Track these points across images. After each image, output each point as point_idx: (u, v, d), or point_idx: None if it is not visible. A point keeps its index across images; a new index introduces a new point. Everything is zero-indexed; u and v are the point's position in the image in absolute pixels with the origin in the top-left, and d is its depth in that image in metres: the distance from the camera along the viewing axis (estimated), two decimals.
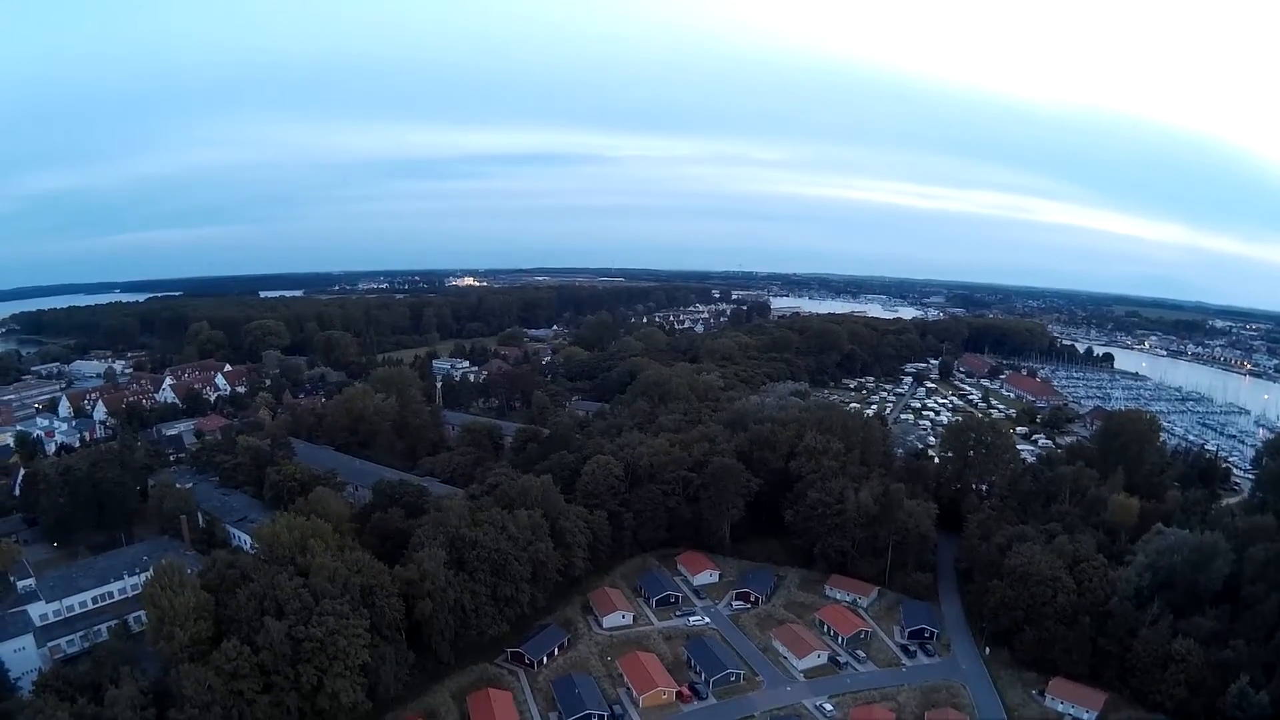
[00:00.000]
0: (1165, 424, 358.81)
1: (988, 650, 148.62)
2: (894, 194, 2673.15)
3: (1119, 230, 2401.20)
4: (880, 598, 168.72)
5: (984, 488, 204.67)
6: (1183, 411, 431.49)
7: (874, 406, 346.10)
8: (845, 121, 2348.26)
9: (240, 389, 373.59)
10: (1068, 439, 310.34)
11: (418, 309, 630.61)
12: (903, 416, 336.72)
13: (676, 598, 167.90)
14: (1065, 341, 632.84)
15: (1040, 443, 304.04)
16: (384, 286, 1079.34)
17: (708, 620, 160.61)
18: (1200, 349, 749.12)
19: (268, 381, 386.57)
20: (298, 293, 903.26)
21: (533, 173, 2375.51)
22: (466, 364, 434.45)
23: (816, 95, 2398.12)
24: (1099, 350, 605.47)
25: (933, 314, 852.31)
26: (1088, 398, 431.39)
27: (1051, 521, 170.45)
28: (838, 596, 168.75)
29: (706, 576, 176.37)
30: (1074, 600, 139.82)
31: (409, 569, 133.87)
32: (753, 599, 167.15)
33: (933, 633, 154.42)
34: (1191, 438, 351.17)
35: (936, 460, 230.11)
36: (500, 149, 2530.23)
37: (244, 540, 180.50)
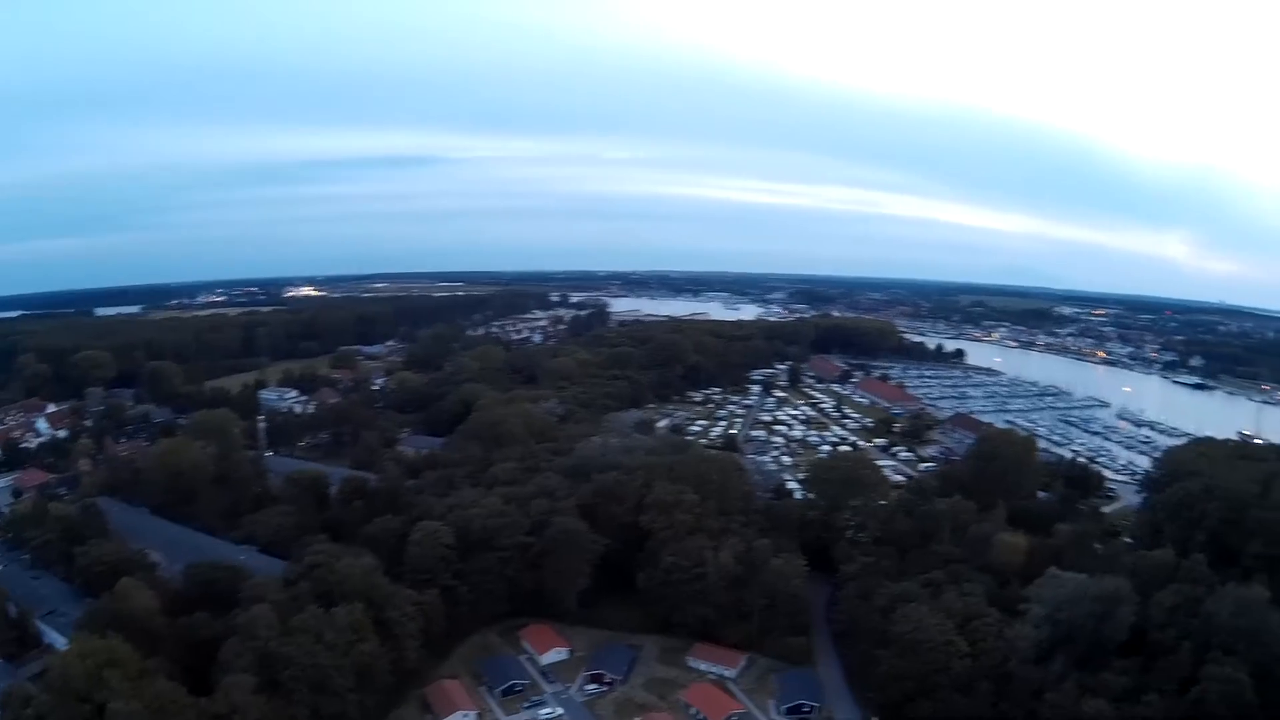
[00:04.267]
0: (1026, 423, 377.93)
1: None
2: (739, 191, 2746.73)
3: (966, 222, 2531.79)
4: (750, 666, 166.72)
5: (854, 529, 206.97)
6: (1042, 409, 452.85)
7: (723, 423, 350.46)
8: (694, 119, 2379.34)
9: (62, 433, 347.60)
10: (930, 449, 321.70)
11: (251, 328, 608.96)
12: (754, 433, 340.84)
13: (523, 685, 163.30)
14: (914, 338, 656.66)
15: (902, 456, 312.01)
16: (221, 299, 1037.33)
17: (560, 711, 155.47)
18: (1051, 339, 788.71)
19: (88, 423, 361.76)
20: (135, 309, 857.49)
21: (380, 175, 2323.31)
22: (295, 393, 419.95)
23: (665, 93, 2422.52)
24: (950, 346, 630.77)
25: (775, 310, 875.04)
26: (944, 399, 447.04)
27: (933, 569, 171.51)
28: (703, 668, 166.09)
29: (555, 654, 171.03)
30: (970, 665, 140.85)
31: (216, 701, 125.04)
32: (608, 680, 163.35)
33: (813, 707, 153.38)
34: (1056, 437, 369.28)
35: (799, 496, 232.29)
36: (346, 152, 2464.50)
37: (59, 640, 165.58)
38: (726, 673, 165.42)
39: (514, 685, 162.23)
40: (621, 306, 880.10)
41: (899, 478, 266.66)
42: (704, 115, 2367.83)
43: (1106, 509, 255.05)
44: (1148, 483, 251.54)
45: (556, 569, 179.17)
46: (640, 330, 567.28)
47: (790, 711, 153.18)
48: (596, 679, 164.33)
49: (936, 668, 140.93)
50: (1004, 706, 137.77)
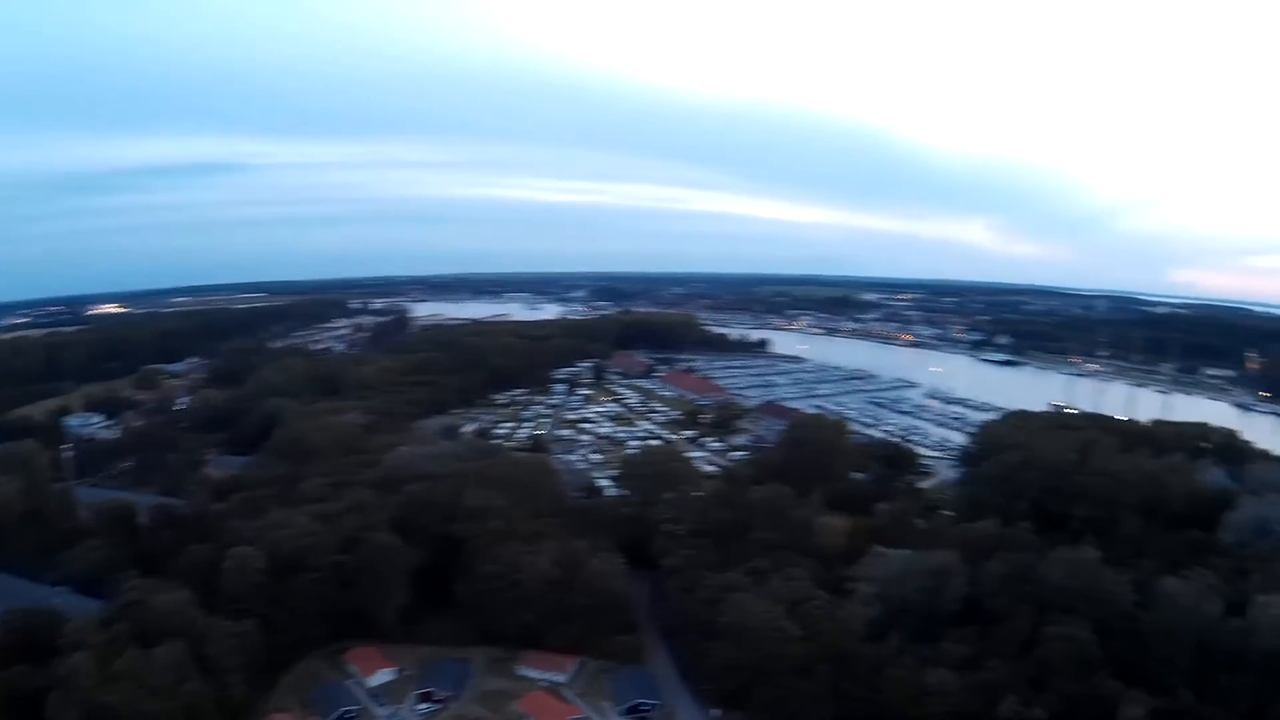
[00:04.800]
0: (835, 407, 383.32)
1: (720, 716, 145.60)
2: (542, 191, 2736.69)
3: (768, 215, 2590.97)
4: (582, 670, 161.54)
5: (670, 523, 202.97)
6: (851, 392, 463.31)
7: (529, 424, 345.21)
8: (497, 119, 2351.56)
9: None
10: (740, 438, 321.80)
11: (54, 350, 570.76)
12: (561, 433, 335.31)
13: (355, 712, 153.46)
14: (717, 330, 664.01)
15: (712, 447, 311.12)
16: (25, 320, 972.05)
17: None
18: (856, 324, 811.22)
19: None
20: None
21: (184, 184, 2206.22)
22: (100, 418, 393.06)
23: (467, 93, 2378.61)
24: (754, 336, 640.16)
25: (578, 309, 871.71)
26: (751, 388, 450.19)
27: (756, 557, 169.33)
28: (534, 676, 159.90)
29: (383, 676, 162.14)
30: (805, 648, 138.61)
31: None
32: (439, 697, 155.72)
33: (652, 705, 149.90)
34: (867, 419, 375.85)
35: (611, 493, 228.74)
36: (149, 160, 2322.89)
37: None
38: (559, 679, 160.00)
39: (345, 712, 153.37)
40: (424, 311, 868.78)
41: (711, 469, 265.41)
42: (507, 115, 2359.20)
43: (924, 485, 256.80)
44: (965, 457, 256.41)
45: (373, 587, 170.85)
46: (443, 334, 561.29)
47: (629, 712, 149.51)
48: (427, 697, 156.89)
49: (771, 654, 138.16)
50: (845, 686, 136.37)
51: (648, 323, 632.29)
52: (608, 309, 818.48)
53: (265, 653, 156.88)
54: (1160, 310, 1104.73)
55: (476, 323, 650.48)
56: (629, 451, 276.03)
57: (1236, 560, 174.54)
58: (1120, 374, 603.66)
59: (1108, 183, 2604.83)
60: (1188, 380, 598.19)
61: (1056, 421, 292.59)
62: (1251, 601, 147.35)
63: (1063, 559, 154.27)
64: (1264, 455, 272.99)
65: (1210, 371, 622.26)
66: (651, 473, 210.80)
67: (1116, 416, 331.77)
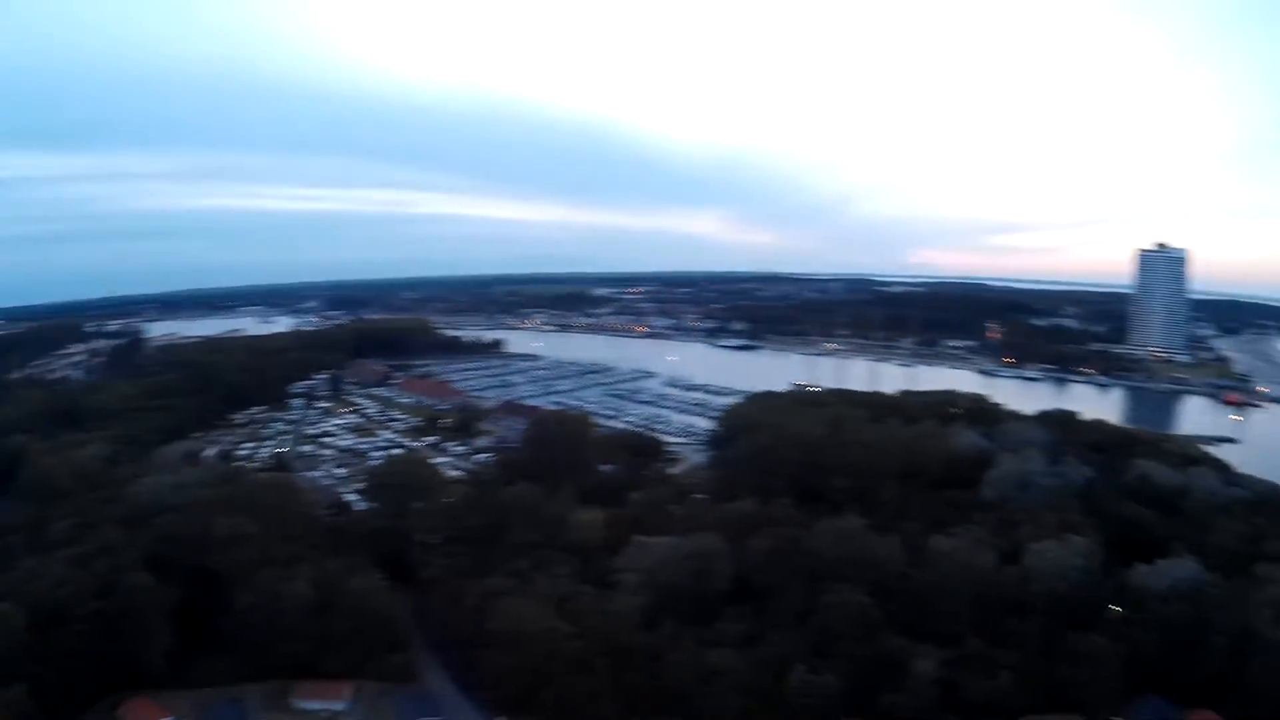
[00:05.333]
0: (575, 402, 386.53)
1: None
2: (271, 199, 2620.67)
3: (498, 215, 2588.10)
4: (361, 695, 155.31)
5: (424, 532, 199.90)
6: (589, 386, 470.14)
7: (270, 443, 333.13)
8: (223, 127, 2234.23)
9: None
10: (483, 440, 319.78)
11: None
12: (303, 449, 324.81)
13: None
14: (452, 332, 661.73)
15: (455, 451, 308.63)
16: None
17: None
18: (589, 319, 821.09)
19: None
20: None
21: None
22: None
23: (193, 100, 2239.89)
24: (488, 336, 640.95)
25: (311, 319, 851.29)
26: (489, 389, 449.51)
27: (516, 559, 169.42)
28: (313, 707, 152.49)
29: None
30: (580, 645, 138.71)
31: None
32: None
33: None
34: (608, 411, 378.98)
35: (360, 507, 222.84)
36: None
37: None
38: (337, 707, 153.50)
39: None
40: (159, 331, 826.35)
41: (457, 473, 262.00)
42: (232, 122, 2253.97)
43: (673, 472, 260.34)
44: (713, 440, 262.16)
45: (136, 632, 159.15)
46: (179, 354, 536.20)
47: None
48: None
49: (547, 655, 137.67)
50: (627, 678, 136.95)
51: (382, 330, 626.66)
52: (341, 318, 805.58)
53: (39, 718, 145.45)
54: (896, 289, 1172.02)
55: (211, 340, 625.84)
56: (373, 463, 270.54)
57: (1002, 514, 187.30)
58: (861, 351, 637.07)
59: (841, 169, 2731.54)
60: (929, 353, 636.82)
61: (803, 399, 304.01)
62: (1025, 549, 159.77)
63: (828, 529, 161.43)
64: (1013, 415, 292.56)
65: (951, 343, 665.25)
66: (398, 483, 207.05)
67: (862, 391, 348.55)
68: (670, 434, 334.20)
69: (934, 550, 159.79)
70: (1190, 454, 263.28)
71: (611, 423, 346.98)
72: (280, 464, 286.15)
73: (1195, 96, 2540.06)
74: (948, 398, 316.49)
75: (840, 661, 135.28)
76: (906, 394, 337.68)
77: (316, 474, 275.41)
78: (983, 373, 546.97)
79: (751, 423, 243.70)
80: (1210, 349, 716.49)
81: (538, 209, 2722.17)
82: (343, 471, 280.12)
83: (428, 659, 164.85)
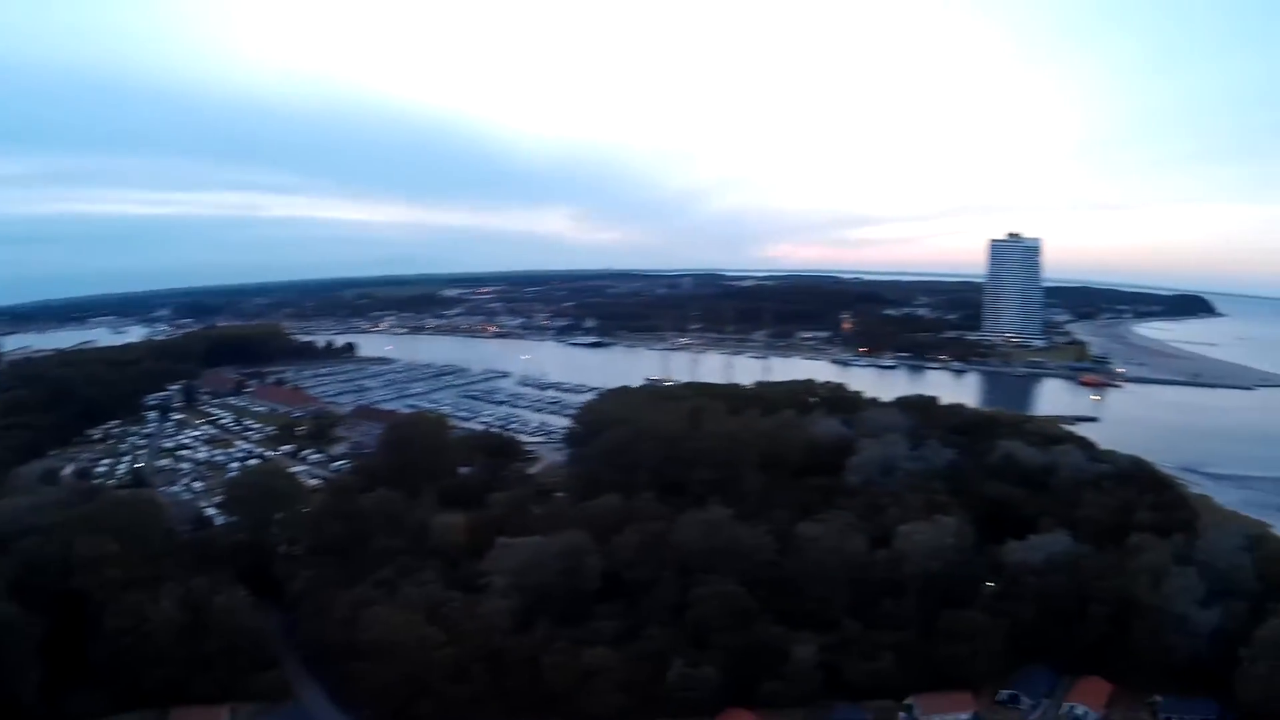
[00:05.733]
0: (430, 405, 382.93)
1: None
2: (121, 203, 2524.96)
3: (347, 216, 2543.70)
4: (236, 717, 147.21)
5: (286, 544, 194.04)
6: (443, 388, 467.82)
7: (128, 458, 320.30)
8: (69, 128, 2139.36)
9: None
10: (339, 447, 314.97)
11: None
12: (160, 463, 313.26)
13: None
14: (304, 338, 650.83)
15: (313, 459, 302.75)
16: None
17: None
18: (440, 320, 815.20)
19: None
20: None
21: None
22: None
23: (38, 100, 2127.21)
24: (340, 341, 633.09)
25: (163, 329, 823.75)
26: (343, 394, 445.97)
27: (381, 567, 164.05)
28: None
29: None
30: (454, 652, 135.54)
31: None
32: None
33: None
34: (463, 413, 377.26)
35: (220, 521, 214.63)
36: None
37: None
38: None
39: None
40: (11, 345, 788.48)
41: (315, 482, 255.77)
42: (78, 123, 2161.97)
43: (533, 471, 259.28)
44: (572, 437, 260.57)
45: (4, 667, 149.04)
46: (32, 369, 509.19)
47: None
48: None
49: (421, 664, 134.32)
50: (504, 683, 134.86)
51: (234, 337, 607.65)
52: (193, 326, 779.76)
53: None
54: (748, 283, 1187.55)
55: (63, 353, 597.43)
56: (231, 474, 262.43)
57: (868, 498, 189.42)
58: (714, 346, 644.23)
59: (691, 165, 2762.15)
60: (783, 345, 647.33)
61: (659, 393, 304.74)
62: (895, 532, 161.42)
63: (694, 521, 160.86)
64: (872, 402, 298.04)
65: (805, 335, 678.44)
66: (257, 495, 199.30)
67: (718, 383, 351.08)
68: (527, 433, 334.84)
69: (803, 537, 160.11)
70: (1053, 433, 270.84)
71: (468, 424, 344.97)
72: (139, 480, 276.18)
73: (1047, 93, 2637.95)
74: (806, 387, 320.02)
75: (718, 653, 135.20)
76: (763, 385, 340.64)
77: (176, 489, 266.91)
78: (838, 362, 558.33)
79: (609, 418, 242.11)
80: (1065, 333, 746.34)
81: (387, 210, 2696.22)
82: (201, 485, 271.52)
83: (302, 675, 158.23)
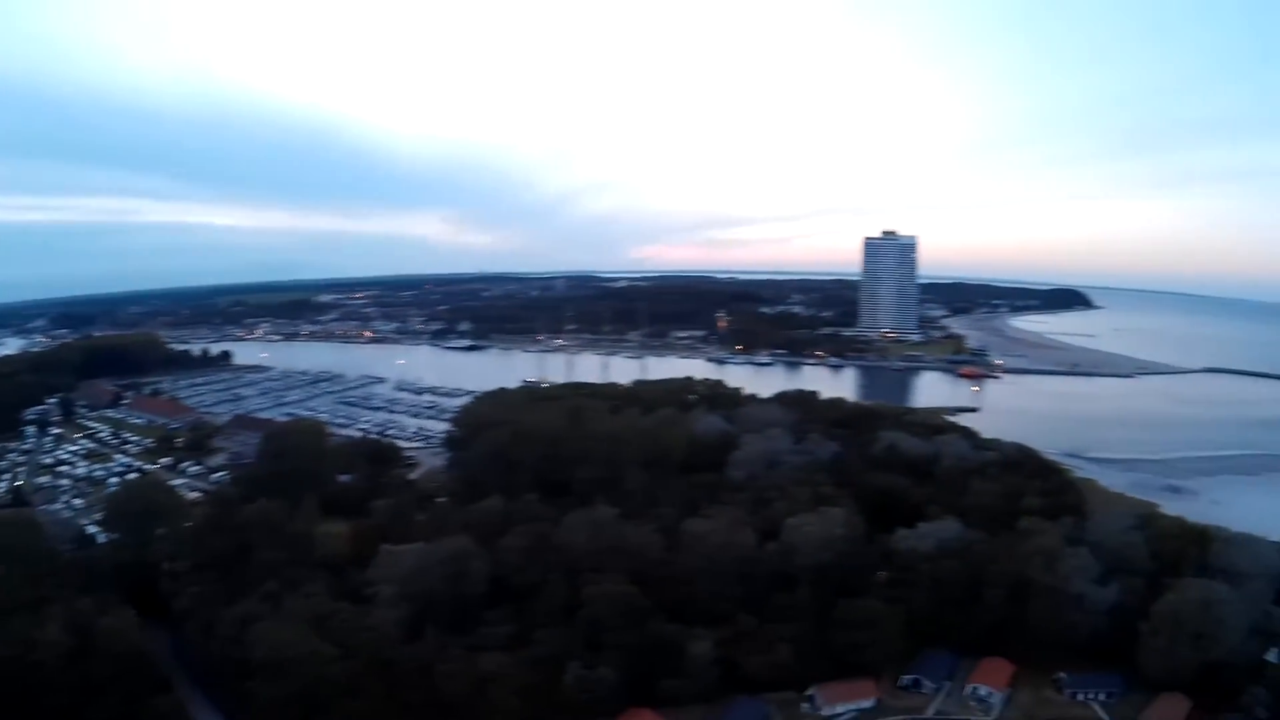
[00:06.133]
0: (307, 412, 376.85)
1: None
2: None
3: (221, 222, 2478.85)
4: None
5: (169, 560, 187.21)
6: (320, 395, 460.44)
7: (6, 477, 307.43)
8: None
9: None
10: (218, 458, 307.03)
11: None
12: (39, 480, 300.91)
13: None
14: (180, 347, 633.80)
15: (192, 471, 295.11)
16: None
17: None
18: (315, 326, 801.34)
19: None
20: None
21: None
22: None
23: None
24: (215, 349, 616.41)
25: (39, 340, 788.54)
26: (221, 404, 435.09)
27: (266, 580, 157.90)
28: None
29: None
30: (347, 665, 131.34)
31: None
32: None
33: None
34: (341, 420, 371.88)
35: (102, 539, 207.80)
36: None
37: None
38: None
39: None
40: None
41: (196, 495, 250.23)
42: None
43: (413, 477, 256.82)
44: (451, 441, 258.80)
45: None
46: None
47: None
48: None
49: (314, 679, 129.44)
50: (401, 694, 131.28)
51: (110, 347, 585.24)
52: (68, 337, 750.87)
53: None
54: (621, 284, 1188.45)
55: None
56: (111, 490, 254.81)
57: (753, 493, 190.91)
58: (589, 347, 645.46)
59: (562, 168, 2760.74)
60: (658, 344, 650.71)
61: (538, 394, 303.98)
62: (783, 525, 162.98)
63: (580, 521, 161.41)
64: (751, 398, 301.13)
65: (681, 334, 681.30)
66: (138, 510, 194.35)
67: (597, 383, 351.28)
68: (405, 439, 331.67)
69: (690, 533, 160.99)
70: (935, 424, 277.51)
71: (346, 431, 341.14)
72: (18, 498, 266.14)
73: (922, 98, 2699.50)
74: (685, 384, 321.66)
75: (614, 653, 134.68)
76: (642, 383, 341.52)
77: (56, 507, 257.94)
78: (714, 361, 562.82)
79: (488, 421, 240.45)
80: (942, 328, 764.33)
81: (262, 215, 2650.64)
82: (81, 502, 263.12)
83: (195, 697, 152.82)
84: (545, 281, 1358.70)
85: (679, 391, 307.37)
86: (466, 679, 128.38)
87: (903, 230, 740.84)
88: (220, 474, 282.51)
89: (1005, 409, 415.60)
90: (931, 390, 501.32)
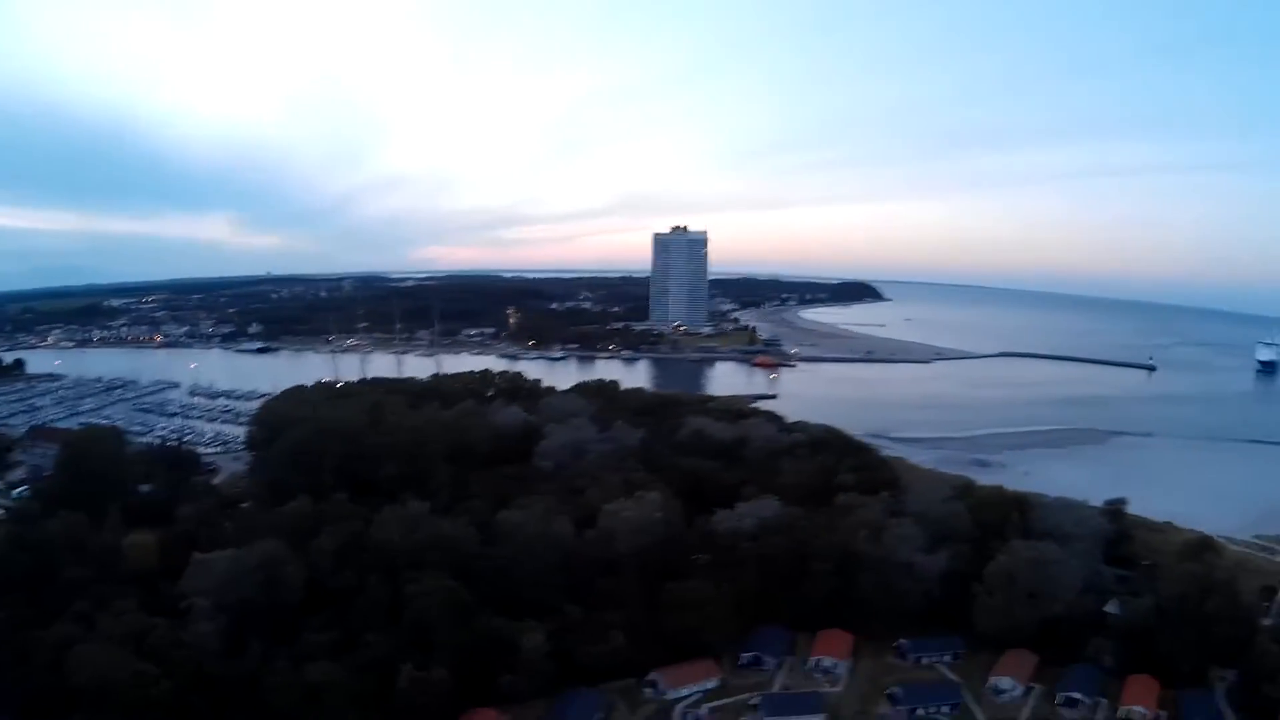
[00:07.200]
0: (103, 421, 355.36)
1: None
2: None
3: (9, 224, 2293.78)
4: None
5: None
6: (114, 403, 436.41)
7: None
8: None
9: None
10: (16, 472, 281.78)
11: None
12: None
13: None
14: None
15: None
16: None
17: None
18: (106, 332, 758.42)
19: None
20: None
21: None
22: None
23: None
24: (8, 358, 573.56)
25: None
26: (15, 415, 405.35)
27: (75, 599, 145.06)
28: None
29: None
30: (168, 686, 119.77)
31: None
32: None
33: None
34: (137, 427, 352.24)
35: None
36: None
37: None
38: None
39: None
40: None
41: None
42: None
43: (215, 482, 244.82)
44: (251, 443, 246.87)
45: None
46: None
47: None
48: None
49: (136, 701, 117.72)
50: (228, 711, 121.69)
51: None
52: None
53: None
54: (409, 284, 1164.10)
55: None
56: None
57: (563, 482, 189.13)
58: (381, 346, 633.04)
59: (346, 170, 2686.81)
60: (449, 342, 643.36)
61: (335, 391, 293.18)
62: (599, 512, 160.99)
63: (392, 518, 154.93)
64: (550, 390, 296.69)
65: (471, 331, 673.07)
66: None
67: (393, 378, 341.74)
68: (204, 444, 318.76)
69: (506, 524, 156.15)
70: (738, 409, 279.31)
71: (143, 439, 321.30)
72: None
73: (716, 99, 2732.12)
74: (483, 377, 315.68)
75: (445, 652, 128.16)
76: (440, 377, 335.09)
77: None
78: (506, 357, 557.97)
79: (287, 419, 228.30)
80: (733, 320, 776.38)
81: (45, 216, 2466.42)
82: None
83: None
84: (333, 283, 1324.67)
85: (478, 384, 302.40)
86: (295, 690, 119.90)
87: (693, 227, 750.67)
88: (20, 489, 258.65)
89: (804, 395, 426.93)
90: (728, 380, 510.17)
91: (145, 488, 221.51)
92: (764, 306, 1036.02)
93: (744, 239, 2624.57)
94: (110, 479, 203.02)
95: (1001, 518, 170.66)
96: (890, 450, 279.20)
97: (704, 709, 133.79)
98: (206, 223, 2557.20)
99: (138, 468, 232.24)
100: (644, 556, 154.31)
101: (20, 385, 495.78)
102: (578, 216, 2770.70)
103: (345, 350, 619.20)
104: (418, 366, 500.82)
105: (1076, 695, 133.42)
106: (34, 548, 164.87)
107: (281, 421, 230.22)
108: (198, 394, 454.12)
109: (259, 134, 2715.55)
